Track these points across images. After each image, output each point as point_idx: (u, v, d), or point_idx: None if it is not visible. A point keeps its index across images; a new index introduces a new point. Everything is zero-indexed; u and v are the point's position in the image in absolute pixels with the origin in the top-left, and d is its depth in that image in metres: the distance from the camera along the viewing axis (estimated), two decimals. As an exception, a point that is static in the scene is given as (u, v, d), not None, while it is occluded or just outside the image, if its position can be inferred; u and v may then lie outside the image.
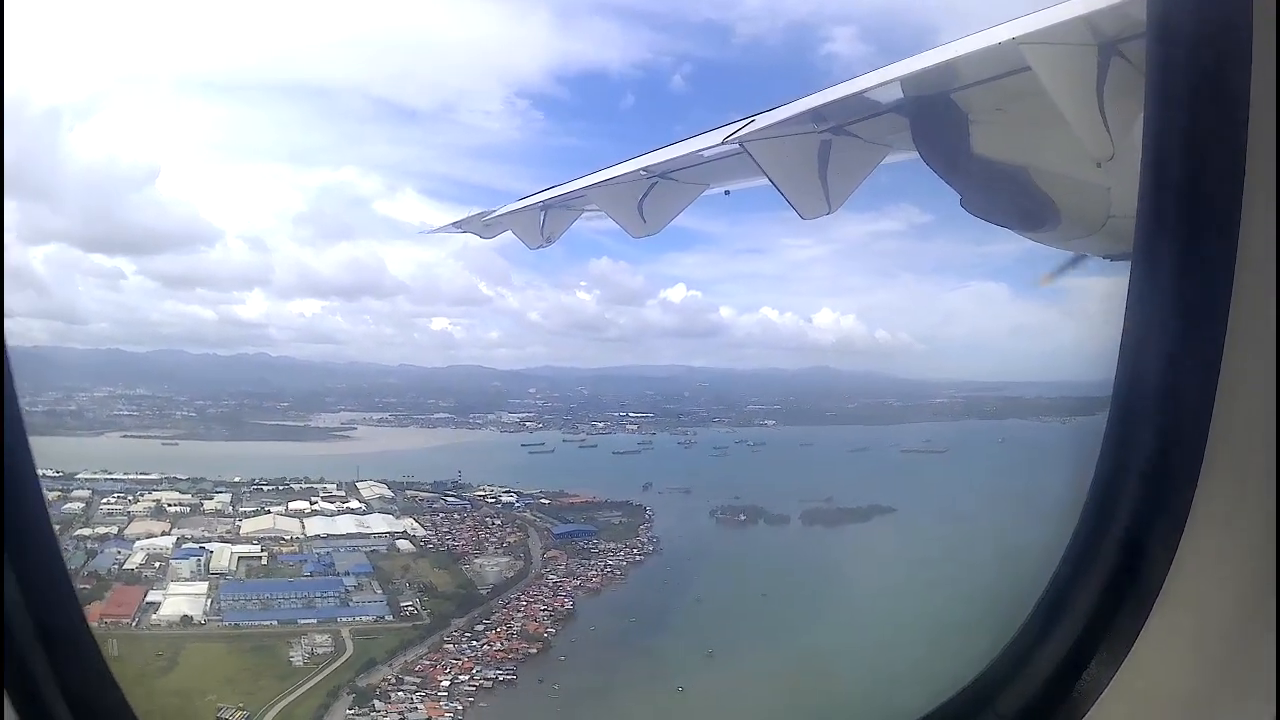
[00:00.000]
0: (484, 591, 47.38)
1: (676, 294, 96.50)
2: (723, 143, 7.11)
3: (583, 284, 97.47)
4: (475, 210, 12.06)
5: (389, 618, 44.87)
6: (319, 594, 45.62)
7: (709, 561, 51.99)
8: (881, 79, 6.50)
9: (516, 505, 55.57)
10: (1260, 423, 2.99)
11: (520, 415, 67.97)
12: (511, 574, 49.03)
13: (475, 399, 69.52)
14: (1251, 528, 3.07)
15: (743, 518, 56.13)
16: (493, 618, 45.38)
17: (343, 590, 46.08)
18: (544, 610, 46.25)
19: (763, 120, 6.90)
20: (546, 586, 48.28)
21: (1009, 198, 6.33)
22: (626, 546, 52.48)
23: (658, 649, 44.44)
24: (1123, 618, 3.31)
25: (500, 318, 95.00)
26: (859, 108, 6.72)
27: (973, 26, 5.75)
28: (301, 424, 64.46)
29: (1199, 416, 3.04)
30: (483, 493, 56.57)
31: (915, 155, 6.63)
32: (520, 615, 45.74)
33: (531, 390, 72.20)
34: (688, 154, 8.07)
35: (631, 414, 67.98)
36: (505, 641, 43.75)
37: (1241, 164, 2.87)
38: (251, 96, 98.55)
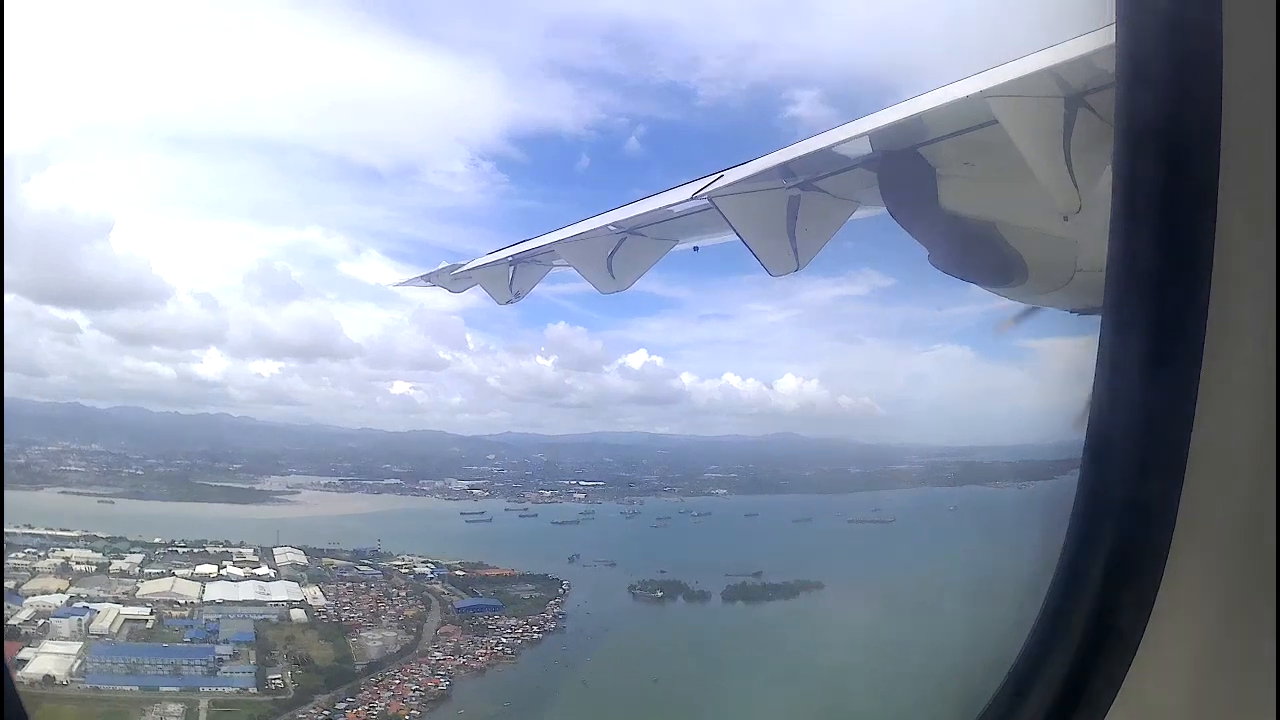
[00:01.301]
0: (361, 667, 45.53)
1: (636, 360, 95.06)
2: (692, 198, 7.09)
3: (542, 349, 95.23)
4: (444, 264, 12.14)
5: (252, 690, 43.35)
6: (188, 661, 44.37)
7: (610, 641, 49.39)
8: (850, 134, 6.46)
9: (429, 576, 53.82)
10: (1234, 480, 2.99)
11: (469, 482, 66.39)
12: (397, 649, 47.12)
13: (430, 465, 68.32)
14: (1226, 590, 3.05)
15: (659, 594, 53.42)
16: (359, 695, 43.46)
17: (213, 659, 44.74)
18: (415, 690, 44.17)
19: (732, 175, 6.88)
20: (427, 664, 46.18)
21: (976, 253, 6.27)
22: (528, 623, 50.17)
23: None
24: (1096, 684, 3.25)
25: (461, 382, 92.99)
26: (827, 163, 6.69)
27: (934, 87, 5.83)
28: (247, 486, 63.90)
29: (1171, 475, 3.00)
30: (400, 562, 54.96)
31: (883, 210, 6.55)
32: (388, 694, 43.73)
33: (490, 456, 70.79)
34: (657, 209, 8.00)
35: (582, 482, 66.01)
36: (362, 724, 41.81)
37: (1213, 216, 2.84)
38: (213, 151, 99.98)
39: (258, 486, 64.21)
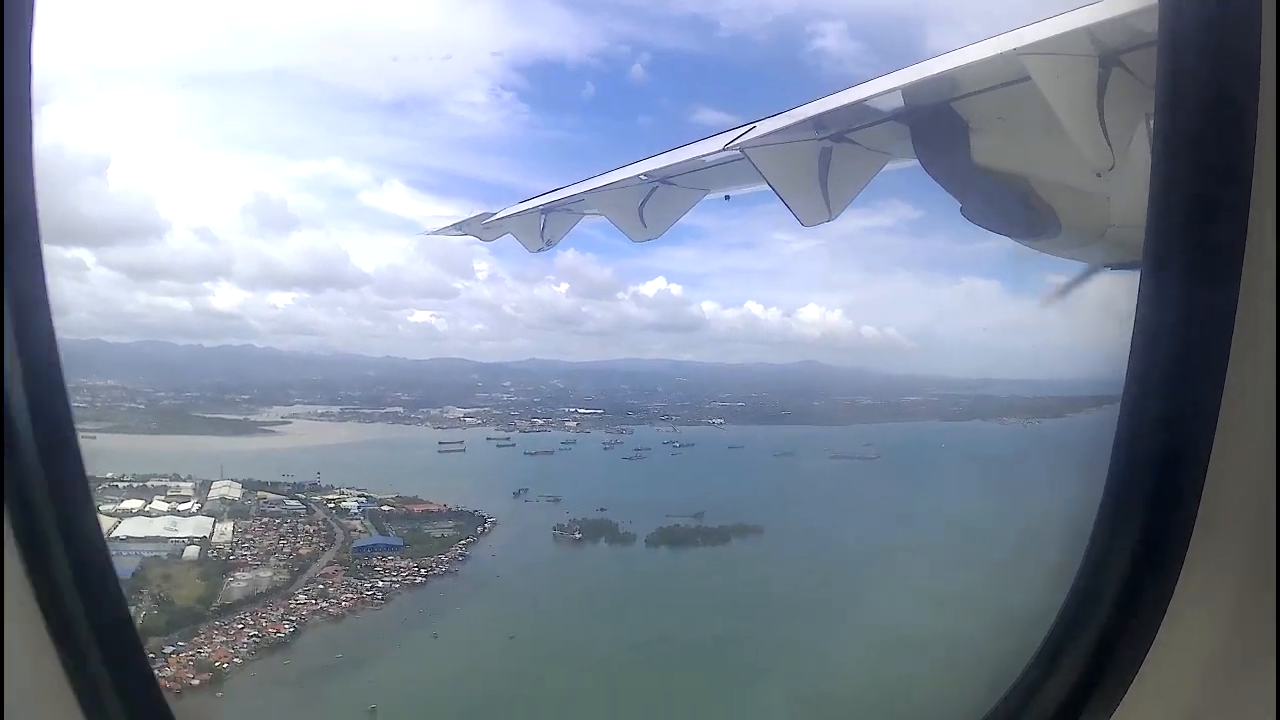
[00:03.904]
0: (215, 609, 41.30)
1: (651, 288, 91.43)
2: (724, 149, 6.96)
3: (551, 277, 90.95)
4: (477, 212, 11.79)
5: (93, 631, 40.16)
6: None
7: (497, 589, 42.60)
8: (882, 87, 6.28)
9: (353, 511, 48.95)
10: (1265, 439, 2.89)
11: (465, 410, 60.97)
12: (265, 590, 42.57)
13: (442, 393, 63.58)
14: (1246, 577, 2.96)
15: (579, 536, 45.91)
16: (192, 640, 39.25)
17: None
18: (252, 635, 39.47)
19: (764, 127, 6.74)
20: (284, 608, 41.34)
21: (1009, 206, 6.14)
22: (423, 565, 44.32)
23: (336, 694, 36.27)
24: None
25: (479, 310, 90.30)
26: (860, 115, 6.53)
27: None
28: (241, 418, 61.55)
29: (1204, 430, 2.91)
30: (333, 496, 50.41)
31: (915, 163, 6.53)
32: (222, 640, 39.23)
33: (506, 383, 65.22)
34: (689, 159, 7.80)
35: (580, 410, 59.10)
36: (176, 669, 37.47)
37: (1250, 174, 2.83)
38: (231, 87, 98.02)
39: (252, 418, 61.72)
